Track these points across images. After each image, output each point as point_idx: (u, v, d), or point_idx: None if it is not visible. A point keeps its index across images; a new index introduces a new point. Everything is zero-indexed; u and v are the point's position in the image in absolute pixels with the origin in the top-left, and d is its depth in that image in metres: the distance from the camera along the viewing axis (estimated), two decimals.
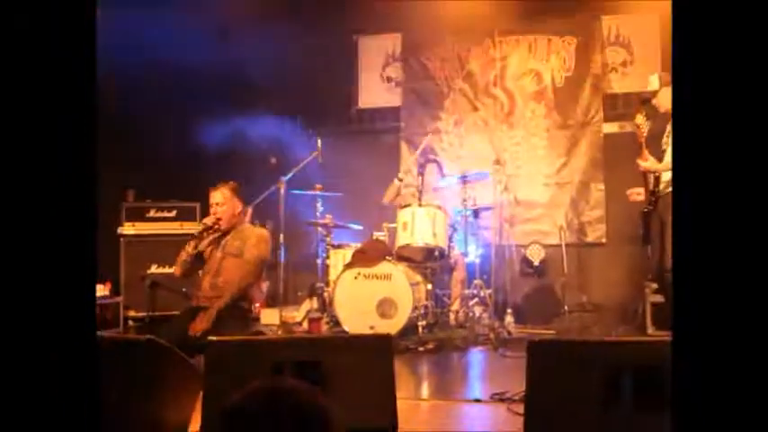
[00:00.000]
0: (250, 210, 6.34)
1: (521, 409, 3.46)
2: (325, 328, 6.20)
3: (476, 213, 6.46)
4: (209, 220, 4.61)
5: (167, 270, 6.74)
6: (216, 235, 4.64)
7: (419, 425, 3.48)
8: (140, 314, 6.82)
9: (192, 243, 4.57)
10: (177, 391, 3.38)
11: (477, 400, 4.03)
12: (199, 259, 4.59)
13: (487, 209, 6.64)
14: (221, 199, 4.64)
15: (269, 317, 6.56)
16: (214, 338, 3.38)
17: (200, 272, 4.65)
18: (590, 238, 7.63)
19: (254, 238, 4.61)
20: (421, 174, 6.74)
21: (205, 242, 4.60)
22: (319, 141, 6.61)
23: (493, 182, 6.61)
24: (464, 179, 6.38)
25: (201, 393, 3.19)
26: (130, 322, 6.82)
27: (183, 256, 4.61)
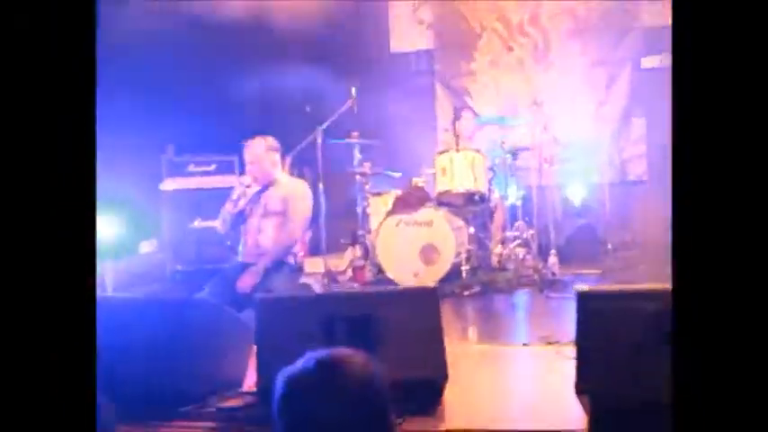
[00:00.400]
0: (288, 160, 6.37)
1: (569, 352, 3.51)
2: (369, 275, 6.25)
3: (514, 155, 6.41)
4: (245, 180, 4.63)
5: (211, 223, 6.82)
6: (254, 191, 4.65)
7: (468, 372, 3.52)
8: (187, 268, 6.93)
9: (232, 203, 4.60)
10: (230, 347, 3.47)
11: (525, 345, 4.06)
12: (240, 217, 4.63)
13: (526, 149, 6.58)
14: (253, 157, 4.63)
15: (313, 265, 6.61)
16: (263, 295, 3.45)
17: (242, 228, 4.68)
18: (631, 176, 7.54)
19: (295, 196, 4.61)
20: (456, 119, 6.70)
21: (244, 200, 4.62)
22: (354, 89, 6.56)
23: (531, 123, 6.53)
24: (500, 122, 6.34)
25: (255, 348, 3.28)
26: (178, 276, 6.94)
27: (224, 215, 4.66)
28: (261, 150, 4.62)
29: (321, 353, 1.51)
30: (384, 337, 3.02)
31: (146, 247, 7.23)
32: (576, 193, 7.31)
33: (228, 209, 4.61)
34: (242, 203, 4.59)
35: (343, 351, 1.54)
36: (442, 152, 6.20)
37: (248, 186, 4.61)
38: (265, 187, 4.65)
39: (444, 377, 3.03)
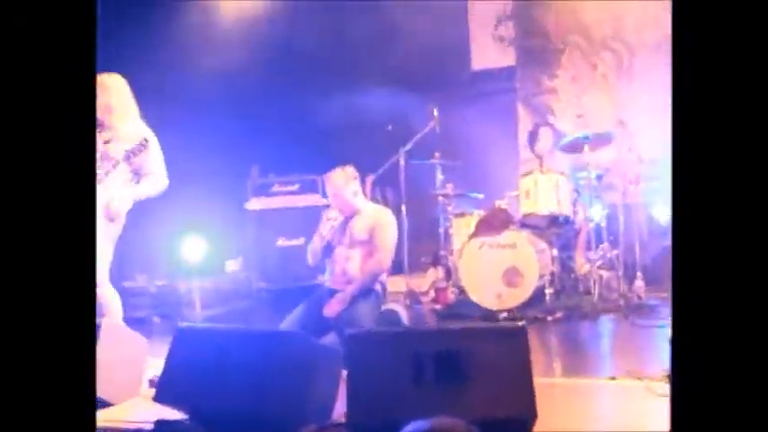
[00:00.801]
0: (369, 179, 6.43)
1: (660, 388, 3.45)
2: (451, 297, 6.26)
3: (599, 177, 6.33)
4: (331, 215, 4.69)
5: (295, 242, 6.97)
6: (340, 221, 4.71)
7: (554, 409, 3.46)
8: (272, 286, 7.07)
9: (319, 237, 4.67)
10: (319, 379, 3.53)
11: (612, 378, 3.99)
12: (328, 249, 4.69)
13: (610, 170, 6.47)
14: (334, 190, 4.68)
15: (395, 285, 6.66)
16: (353, 331, 3.50)
17: (328, 260, 4.74)
18: None
19: (381, 224, 4.63)
20: (534, 137, 6.60)
21: (330, 232, 4.67)
22: (435, 110, 6.59)
23: (616, 143, 6.42)
24: (585, 141, 6.20)
25: (344, 378, 3.32)
26: (263, 294, 7.09)
27: (314, 249, 4.73)
28: (341, 182, 4.66)
29: (423, 424, 1.55)
30: (472, 375, 3.03)
31: (231, 265, 7.41)
32: (663, 212, 7.13)
33: (317, 243, 4.68)
34: (328, 235, 4.65)
35: (443, 422, 1.58)
36: (525, 174, 6.17)
37: (335, 219, 4.67)
38: (350, 217, 4.71)
39: (533, 417, 3.01)
